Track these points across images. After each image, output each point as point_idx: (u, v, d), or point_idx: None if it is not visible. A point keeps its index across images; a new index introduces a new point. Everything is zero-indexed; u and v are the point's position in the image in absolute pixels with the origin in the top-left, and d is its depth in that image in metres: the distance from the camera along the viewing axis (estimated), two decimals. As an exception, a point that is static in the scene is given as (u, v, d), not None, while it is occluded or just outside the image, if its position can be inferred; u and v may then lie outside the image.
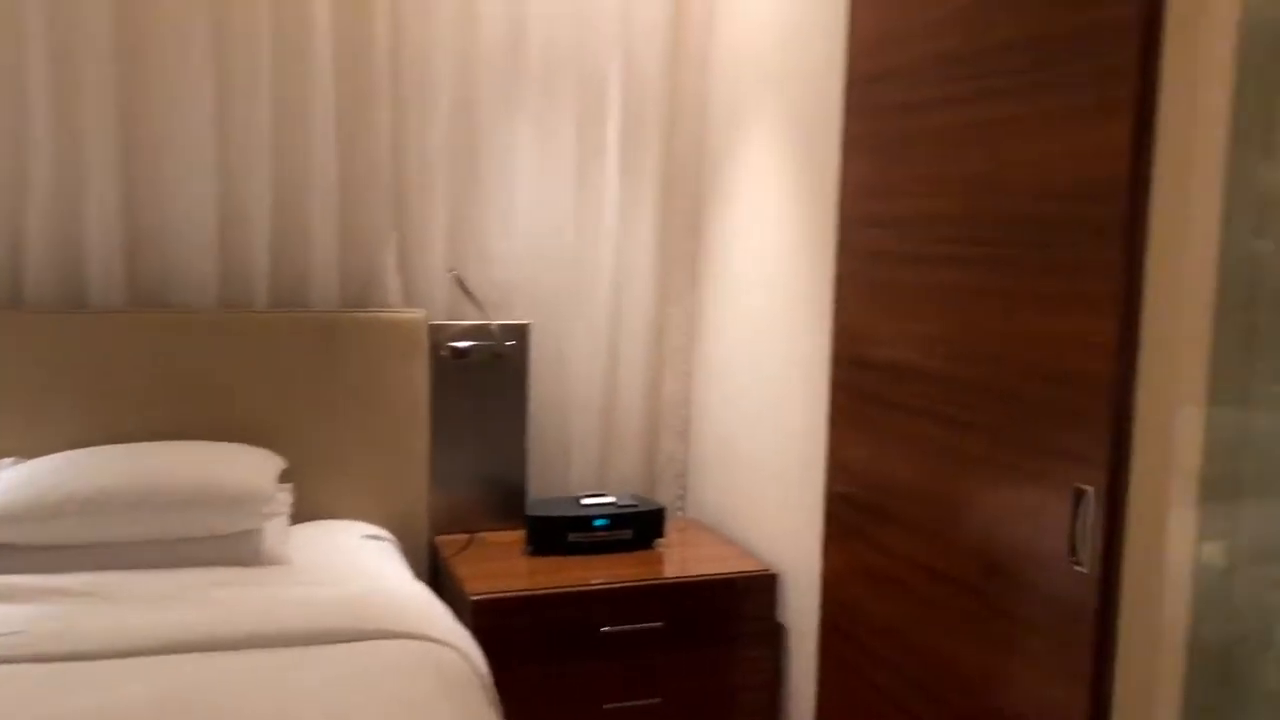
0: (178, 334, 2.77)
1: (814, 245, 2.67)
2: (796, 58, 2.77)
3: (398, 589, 2.43)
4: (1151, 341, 1.66)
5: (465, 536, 3.04)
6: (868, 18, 2.32)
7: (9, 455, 2.63)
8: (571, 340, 3.27)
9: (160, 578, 2.34)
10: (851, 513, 2.36)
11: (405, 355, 2.95)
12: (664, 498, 3.38)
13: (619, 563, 2.85)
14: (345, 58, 2.94)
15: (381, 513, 2.94)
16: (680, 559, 2.91)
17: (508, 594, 2.62)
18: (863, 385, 2.31)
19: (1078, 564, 1.73)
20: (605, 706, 2.70)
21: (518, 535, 3.02)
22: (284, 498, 2.69)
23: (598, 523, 2.92)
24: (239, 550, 2.47)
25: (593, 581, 2.70)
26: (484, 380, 3.08)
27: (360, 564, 2.56)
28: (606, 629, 2.68)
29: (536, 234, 3.20)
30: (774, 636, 2.84)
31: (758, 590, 2.82)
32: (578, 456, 3.29)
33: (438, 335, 3.02)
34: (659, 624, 2.72)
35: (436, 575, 2.96)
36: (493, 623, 2.58)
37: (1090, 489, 1.70)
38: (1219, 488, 1.78)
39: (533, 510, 2.94)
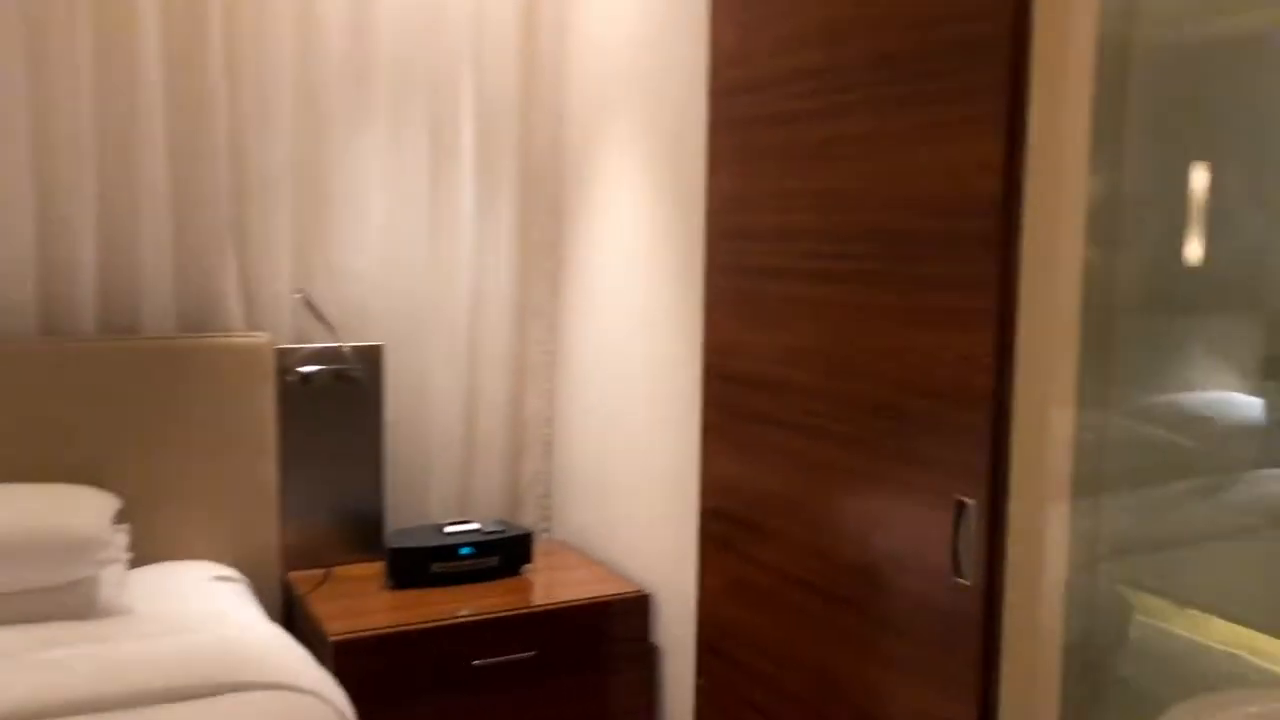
0: (-7, 366, 2.53)
1: (682, 258, 2.64)
2: (658, 68, 2.73)
3: (252, 635, 2.27)
4: (1026, 354, 1.68)
5: (321, 572, 2.88)
6: (728, 30, 2.29)
7: None
8: (428, 360, 3.14)
9: (-19, 638, 2.12)
10: (726, 529, 2.32)
11: (250, 382, 2.77)
12: (528, 520, 3.29)
13: (487, 592, 2.75)
14: (176, 63, 2.74)
15: (230, 551, 2.75)
16: (550, 584, 2.83)
17: (370, 632, 2.48)
18: (735, 400, 2.28)
19: (960, 576, 1.73)
20: (478, 743, 2.59)
21: (377, 568, 2.88)
22: (120, 541, 2.48)
23: (463, 551, 2.81)
24: (72, 602, 2.26)
25: (461, 613, 2.59)
26: (336, 406, 2.93)
27: (210, 609, 2.38)
28: (478, 662, 2.57)
29: (388, 250, 3.07)
30: (649, 658, 2.79)
31: (631, 612, 2.76)
32: (437, 482, 3.17)
33: (285, 360, 2.86)
34: (532, 653, 2.63)
35: (291, 615, 2.79)
36: (356, 664, 2.44)
37: (971, 501, 1.71)
38: (1082, 490, 1.82)
39: (393, 541, 2.81)
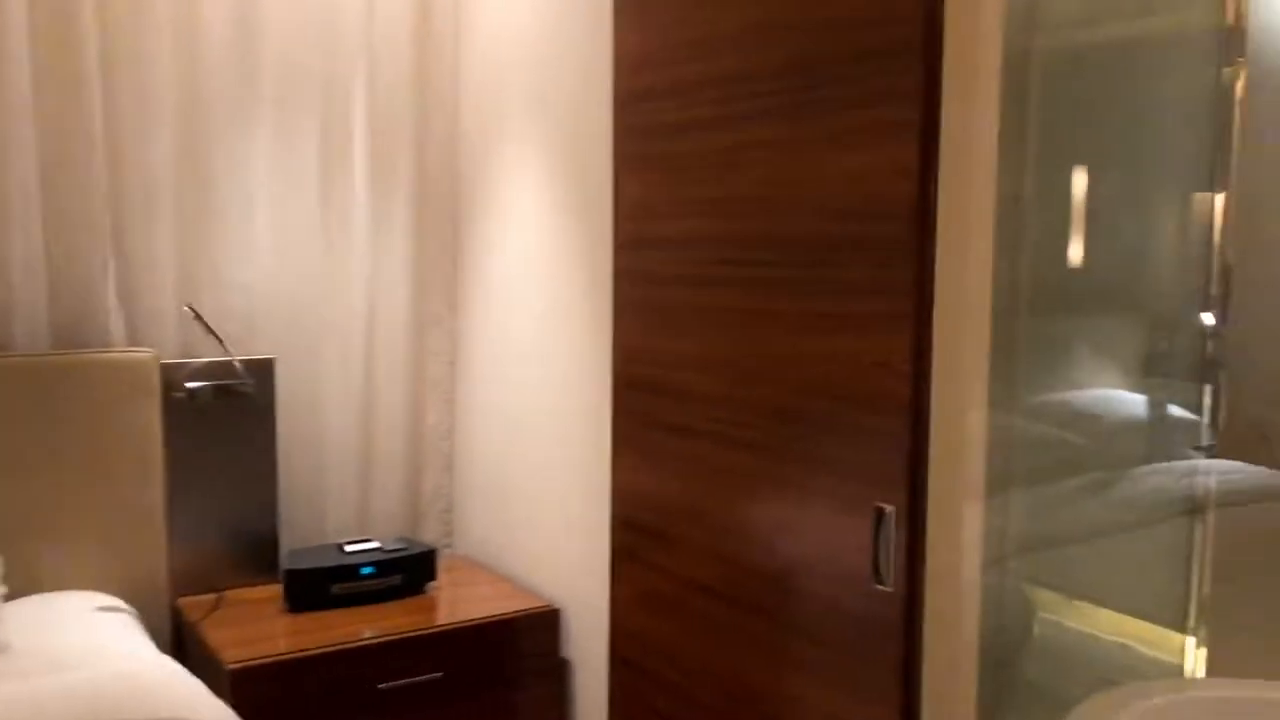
0: None
1: (590, 265, 2.59)
2: (561, 73, 2.69)
3: (140, 667, 2.14)
4: (942, 359, 1.68)
5: (213, 597, 2.75)
6: (633, 35, 2.26)
7: None
8: (322, 373, 3.03)
9: None
10: (638, 540, 2.29)
11: (133, 400, 2.62)
12: (430, 536, 3.20)
13: (390, 612, 2.66)
14: (45, 60, 2.58)
15: (115, 579, 2.59)
16: (456, 602, 2.75)
17: (269, 659, 2.37)
18: (647, 409, 2.24)
19: (880, 583, 1.73)
20: (386, 769, 2.51)
21: (273, 591, 2.76)
22: (-7, 572, 2.32)
23: (364, 570, 2.72)
24: (-60, 641, 2.11)
25: (364, 635, 2.50)
26: (226, 422, 2.80)
27: (95, 642, 2.24)
28: (384, 686, 2.48)
29: (279, 258, 2.95)
30: (559, 673, 2.73)
31: (540, 627, 2.71)
32: (334, 499, 3.06)
33: (171, 375, 2.72)
34: (439, 674, 2.55)
35: (182, 645, 2.66)
36: (255, 693, 2.33)
37: (890, 507, 1.71)
38: (990, 491, 1.84)
39: (290, 562, 2.70)
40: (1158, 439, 2.75)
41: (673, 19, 2.14)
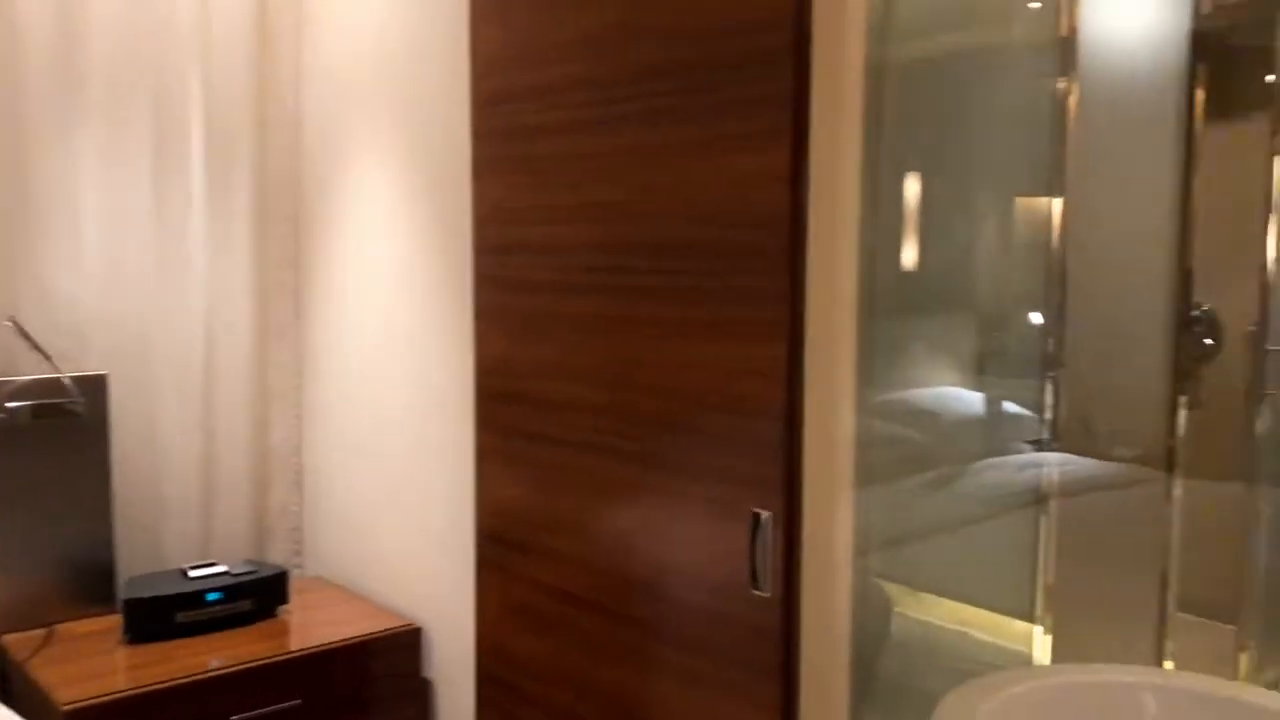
0: None
1: (449, 272, 2.53)
2: (415, 74, 2.61)
3: (-35, 714, 1.97)
4: (813, 364, 1.70)
5: (43, 631, 2.55)
6: (491, 36, 2.21)
7: None
8: (158, 390, 2.86)
9: None
10: (505, 553, 2.24)
11: (-53, 422, 2.43)
12: (279, 557, 3.06)
13: (240, 639, 2.53)
14: None
15: (-70, 619, 2.39)
16: (310, 625, 2.64)
17: (109, 696, 2.22)
18: (512, 419, 2.19)
19: (758, 588, 1.73)
20: (241, 805, 2.38)
21: (111, 622, 2.59)
22: None
23: (210, 596, 2.58)
24: None
25: (213, 666, 2.37)
26: (54, 444, 2.61)
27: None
28: (236, 718, 2.35)
29: (110, 270, 2.77)
30: (422, 695, 2.65)
31: (400, 648, 2.62)
32: (176, 523, 2.89)
33: (-10, 395, 2.52)
34: (296, 702, 2.44)
35: (8, 686, 2.46)
36: (94, 734, 2.18)
37: (767, 513, 1.71)
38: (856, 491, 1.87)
39: (129, 591, 2.53)
40: (995, 434, 2.87)
41: (532, 20, 2.10)
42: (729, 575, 1.77)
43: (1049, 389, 2.70)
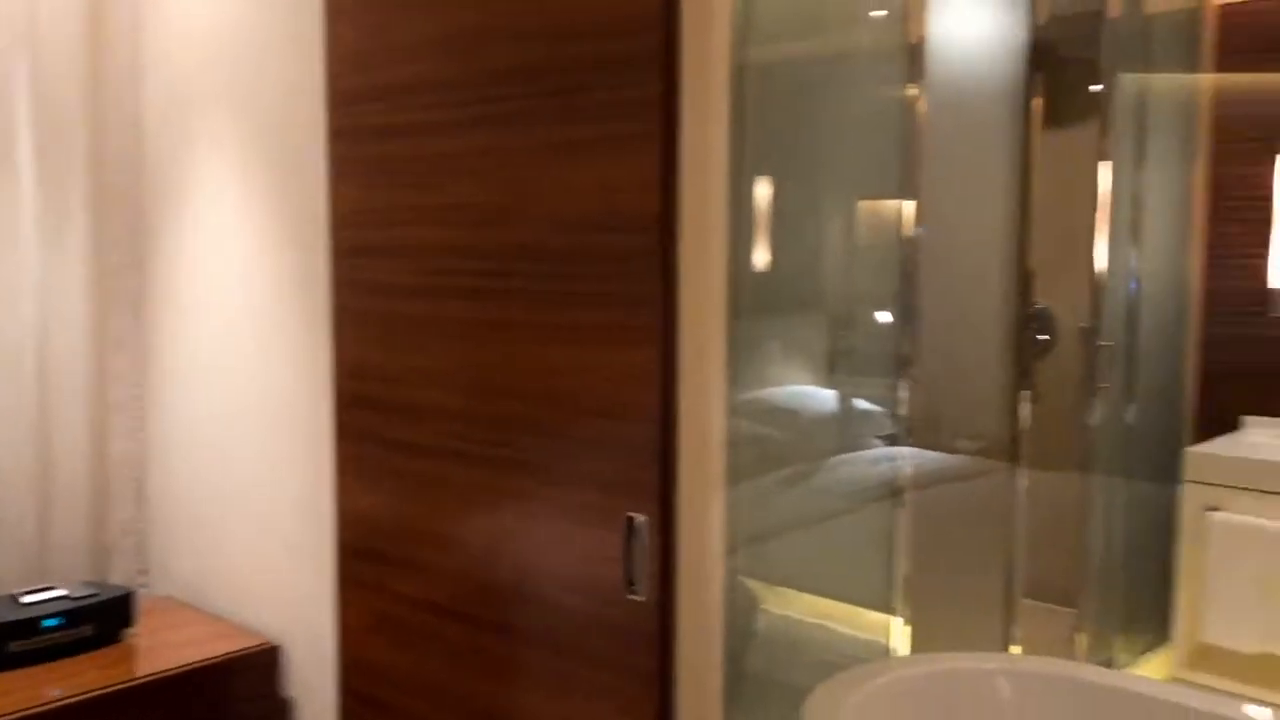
0: None
1: (303, 276, 2.44)
2: (267, 72, 2.51)
3: None
4: (686, 367, 1.70)
5: None
6: (347, 33, 2.14)
7: None
8: (-15, 404, 2.68)
9: None
10: (368, 566, 2.17)
11: None
12: (121, 577, 2.90)
13: (82, 667, 2.38)
14: None
15: None
16: (158, 648, 2.51)
17: (-64, 736, 2.07)
18: (373, 427, 2.13)
19: (634, 593, 1.73)
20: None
21: (-66, 656, 2.41)
22: None
23: (47, 623, 2.42)
24: None
25: (51, 697, 2.22)
26: None
27: None
28: (80, 752, 2.22)
29: (-73, 276, 2.58)
30: (281, 714, 2.55)
31: (257, 667, 2.52)
32: (7, 544, 2.70)
33: None
34: (145, 731, 2.32)
35: None
36: (-81, 779, 2.02)
37: (642, 517, 1.71)
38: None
39: (-45, 621, 2.36)
40: (849, 431, 2.95)
41: (387, 19, 2.04)
42: (603, 580, 1.76)
43: (900, 385, 2.79)
